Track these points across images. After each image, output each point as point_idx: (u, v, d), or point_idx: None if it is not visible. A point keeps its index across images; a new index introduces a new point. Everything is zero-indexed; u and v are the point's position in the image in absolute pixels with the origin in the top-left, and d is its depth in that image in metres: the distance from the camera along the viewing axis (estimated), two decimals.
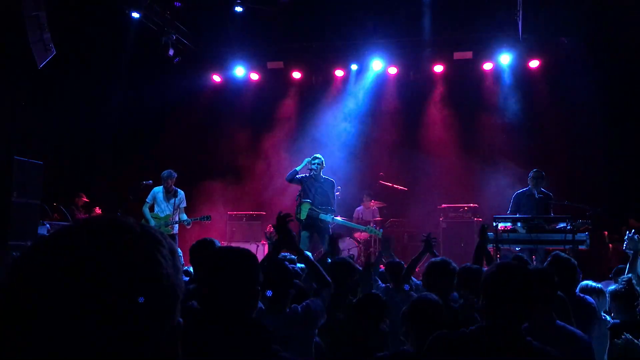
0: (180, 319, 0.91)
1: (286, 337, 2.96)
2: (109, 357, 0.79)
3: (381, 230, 9.65)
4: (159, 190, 9.46)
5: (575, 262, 4.31)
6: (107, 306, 0.78)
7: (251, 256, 2.10)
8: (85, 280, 0.78)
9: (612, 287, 4.10)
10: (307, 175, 8.98)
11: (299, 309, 3.19)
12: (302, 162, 9.17)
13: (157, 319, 0.84)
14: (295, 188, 9.61)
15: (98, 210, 11.29)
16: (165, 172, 9.45)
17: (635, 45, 10.55)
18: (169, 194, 9.41)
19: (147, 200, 9.44)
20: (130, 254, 0.83)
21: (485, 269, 2.53)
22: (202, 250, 3.88)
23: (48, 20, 8.63)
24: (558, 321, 2.92)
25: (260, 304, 3.14)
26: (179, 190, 9.52)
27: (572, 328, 2.88)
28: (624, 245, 5.22)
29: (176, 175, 9.51)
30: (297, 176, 9.06)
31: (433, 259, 3.90)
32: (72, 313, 0.77)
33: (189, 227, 9.48)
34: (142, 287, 0.82)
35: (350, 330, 3.65)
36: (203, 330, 1.87)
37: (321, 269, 3.51)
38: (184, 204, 9.60)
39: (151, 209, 9.48)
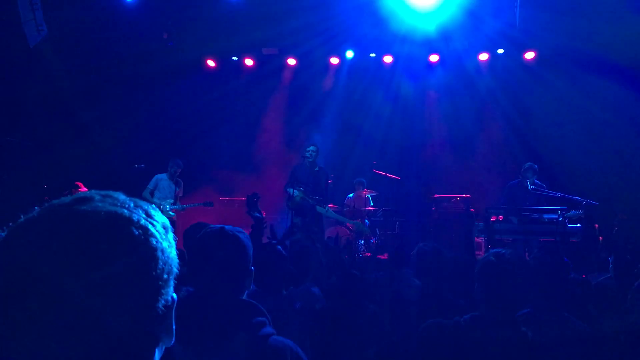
0: (175, 295, 0.91)
1: (281, 319, 2.96)
2: (104, 329, 0.79)
3: (368, 228, 9.60)
4: (162, 177, 9.50)
5: (562, 253, 4.31)
6: (102, 277, 0.78)
7: (243, 235, 2.08)
8: (77, 251, 0.78)
9: None
10: (301, 163, 8.88)
11: (297, 291, 3.19)
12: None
13: (152, 292, 0.85)
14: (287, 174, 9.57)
15: None
16: (175, 161, 9.53)
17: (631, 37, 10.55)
18: (172, 181, 9.49)
19: (148, 186, 9.49)
20: (125, 227, 0.83)
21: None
22: (196, 234, 3.85)
23: (40, 1, 8.52)
24: (563, 312, 2.93)
25: (254, 286, 3.15)
26: (179, 179, 9.61)
27: (574, 319, 2.89)
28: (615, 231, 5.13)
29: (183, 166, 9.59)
30: (289, 182, 8.78)
31: (423, 246, 3.87)
32: (65, 283, 0.76)
33: (182, 212, 9.58)
34: (137, 259, 0.82)
35: (332, 309, 3.65)
36: (193, 310, 1.86)
37: (322, 255, 3.52)
38: (181, 194, 9.72)
39: (151, 194, 9.50)
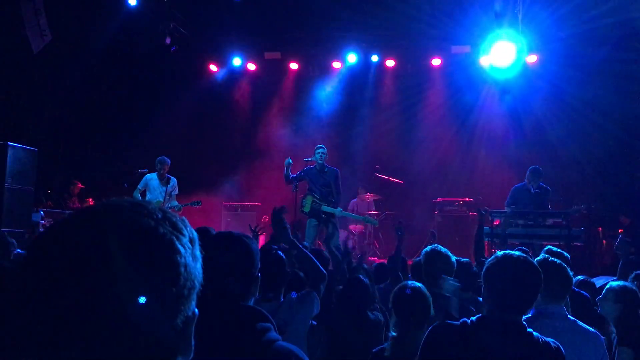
0: (197, 310, 0.90)
1: (279, 325, 2.95)
2: (123, 345, 0.78)
3: (377, 220, 9.57)
4: (152, 176, 9.39)
5: (569, 256, 4.30)
6: (121, 293, 0.77)
7: (250, 240, 2.08)
8: (98, 264, 0.77)
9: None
10: (311, 167, 8.81)
11: (294, 297, 3.19)
12: (285, 167, 8.76)
13: (172, 308, 0.83)
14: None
15: (91, 202, 11.22)
16: (159, 158, 9.37)
17: (632, 40, 10.56)
18: (162, 181, 9.35)
19: (138, 186, 9.35)
20: (149, 240, 0.82)
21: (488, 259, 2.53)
22: (199, 239, 3.81)
23: (44, 5, 8.57)
24: (570, 315, 2.93)
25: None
26: (171, 177, 9.45)
27: (582, 323, 2.89)
28: (615, 246, 5.17)
29: (169, 162, 9.44)
30: (294, 176, 8.74)
31: (430, 248, 3.86)
32: (85, 297, 0.76)
33: (179, 212, 9.35)
34: (158, 274, 0.81)
35: (339, 317, 3.64)
36: (199, 317, 1.85)
37: (315, 260, 3.49)
38: (176, 192, 9.52)
39: (143, 195, 9.39)
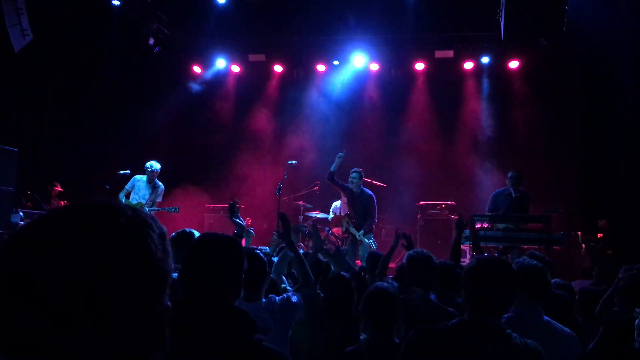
0: (169, 303, 0.91)
1: (261, 326, 2.95)
2: (98, 337, 0.80)
3: (373, 243, 9.64)
4: (141, 178, 9.32)
5: (550, 260, 4.35)
6: (95, 287, 0.80)
7: (236, 243, 2.09)
8: (72, 261, 0.79)
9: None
10: (349, 188, 9.15)
11: (277, 300, 3.19)
12: (335, 161, 9.14)
13: (145, 302, 0.86)
14: (276, 181, 9.67)
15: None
16: (150, 164, 9.29)
17: (613, 47, 10.72)
18: (150, 184, 9.29)
19: (125, 186, 9.29)
20: (121, 236, 0.85)
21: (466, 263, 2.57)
22: (182, 242, 3.79)
23: (27, 6, 8.47)
24: (545, 317, 2.97)
25: None
26: (159, 184, 9.41)
27: (558, 324, 2.93)
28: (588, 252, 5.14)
29: (160, 168, 9.38)
30: (338, 180, 9.16)
31: (413, 252, 3.90)
32: (59, 292, 0.78)
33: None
34: (130, 269, 0.83)
35: (323, 316, 3.64)
36: (185, 318, 1.86)
37: (307, 266, 3.50)
38: (159, 199, 9.47)
39: (128, 196, 9.31)
